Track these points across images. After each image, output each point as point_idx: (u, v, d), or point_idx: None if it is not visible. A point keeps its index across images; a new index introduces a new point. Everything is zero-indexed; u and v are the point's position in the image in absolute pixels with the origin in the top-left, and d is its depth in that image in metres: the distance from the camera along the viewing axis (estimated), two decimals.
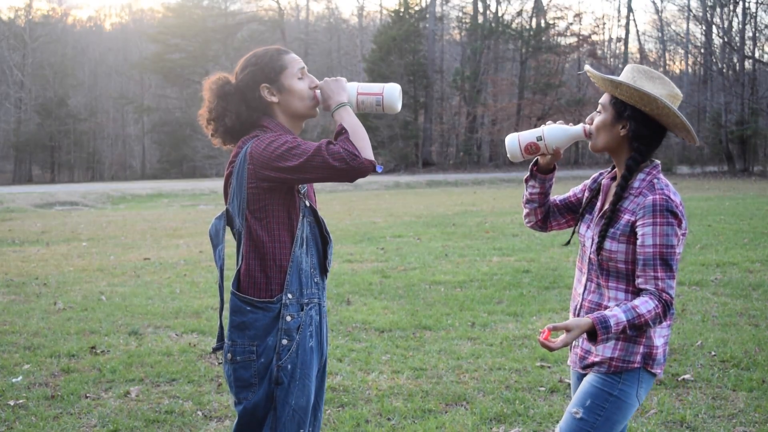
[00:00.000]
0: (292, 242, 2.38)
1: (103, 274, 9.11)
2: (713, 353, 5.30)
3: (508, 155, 2.57)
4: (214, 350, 2.51)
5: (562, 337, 2.22)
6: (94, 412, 4.36)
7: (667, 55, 51.07)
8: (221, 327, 2.47)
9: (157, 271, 9.32)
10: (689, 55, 47.57)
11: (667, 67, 51.24)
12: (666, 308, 2.28)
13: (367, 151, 2.30)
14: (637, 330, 2.26)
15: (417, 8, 44.12)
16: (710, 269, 8.68)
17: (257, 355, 2.36)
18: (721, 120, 36.84)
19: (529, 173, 2.67)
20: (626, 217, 2.35)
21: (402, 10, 43.48)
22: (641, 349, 2.34)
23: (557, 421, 4.16)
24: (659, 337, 2.39)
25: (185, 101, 51.99)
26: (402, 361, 5.31)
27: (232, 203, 2.39)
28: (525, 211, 2.72)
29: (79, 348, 5.65)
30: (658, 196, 2.31)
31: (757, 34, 38.85)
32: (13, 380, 4.91)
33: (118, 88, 56.02)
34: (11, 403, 4.50)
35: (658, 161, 2.44)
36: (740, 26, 37.50)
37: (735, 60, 37.84)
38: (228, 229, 2.46)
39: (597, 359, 2.40)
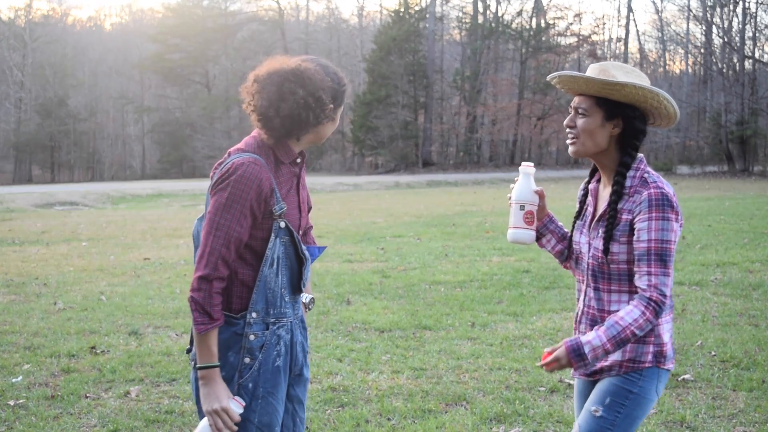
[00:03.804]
0: (259, 260, 2.33)
1: (103, 274, 9.11)
2: (713, 353, 5.30)
3: (526, 245, 2.55)
4: (188, 351, 2.48)
5: (554, 364, 2.28)
6: (94, 412, 4.36)
7: (667, 55, 51.12)
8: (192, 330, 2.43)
9: (157, 271, 9.32)
10: (689, 55, 47.61)
11: (667, 67, 51.29)
12: (656, 310, 2.23)
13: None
14: (622, 345, 2.24)
15: (417, 8, 44.15)
16: (710, 269, 8.68)
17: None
18: (721, 120, 36.84)
19: (535, 239, 2.62)
20: (624, 217, 2.32)
21: (402, 10, 43.50)
22: (651, 348, 2.32)
23: (557, 421, 4.16)
24: (666, 332, 2.36)
25: (185, 101, 52.04)
26: (402, 361, 5.31)
27: (207, 208, 2.36)
28: (563, 264, 2.64)
29: (79, 348, 5.65)
30: (653, 191, 2.27)
31: (757, 34, 38.86)
32: (13, 380, 4.91)
33: (118, 88, 56.06)
34: (11, 403, 4.50)
35: (641, 155, 2.40)
36: (740, 26, 37.51)
37: (735, 60, 37.83)
38: None
39: (606, 364, 2.37)
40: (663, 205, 2.25)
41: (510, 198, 2.55)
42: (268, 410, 2.37)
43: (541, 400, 4.48)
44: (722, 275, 8.28)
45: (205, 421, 2.22)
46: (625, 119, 2.36)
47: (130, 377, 4.98)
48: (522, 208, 2.52)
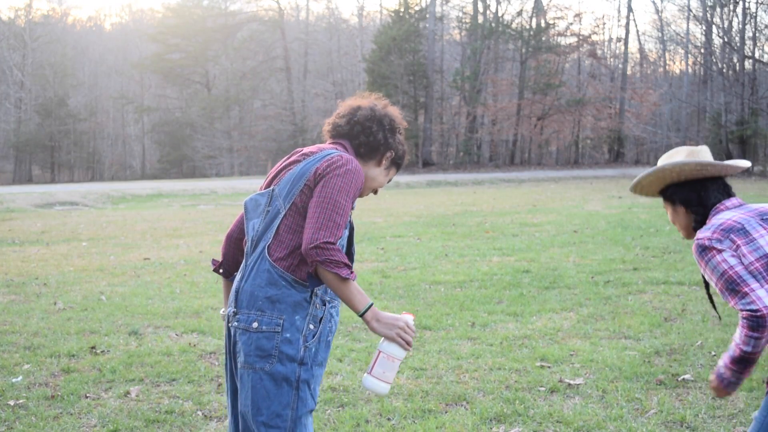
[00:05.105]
0: None
1: (103, 274, 9.11)
2: (713, 353, 5.31)
3: None
4: (229, 316, 2.60)
5: (716, 389, 2.50)
6: (94, 412, 4.36)
7: (667, 55, 51.14)
8: (238, 291, 2.55)
9: (157, 271, 9.32)
10: (689, 55, 47.62)
11: (667, 67, 51.29)
12: (751, 324, 2.30)
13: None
14: (742, 363, 2.37)
15: (417, 8, 44.08)
16: None
17: (282, 329, 2.47)
18: (721, 120, 36.86)
19: None
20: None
21: (402, 10, 43.45)
22: None
23: (557, 421, 4.16)
24: None
25: (185, 101, 52.03)
26: (402, 361, 5.30)
27: (283, 186, 2.52)
28: None
29: (79, 348, 5.66)
30: (693, 246, 2.49)
31: (757, 34, 38.89)
32: (13, 380, 4.91)
33: (118, 88, 56.02)
34: (11, 403, 4.50)
35: (717, 207, 2.56)
36: (740, 26, 37.54)
37: (735, 60, 37.86)
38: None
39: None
40: (702, 253, 2.44)
41: None
42: (319, 380, 2.57)
43: (541, 400, 4.48)
44: None
45: (384, 342, 2.51)
46: (674, 198, 2.62)
47: (130, 377, 4.99)
48: None
